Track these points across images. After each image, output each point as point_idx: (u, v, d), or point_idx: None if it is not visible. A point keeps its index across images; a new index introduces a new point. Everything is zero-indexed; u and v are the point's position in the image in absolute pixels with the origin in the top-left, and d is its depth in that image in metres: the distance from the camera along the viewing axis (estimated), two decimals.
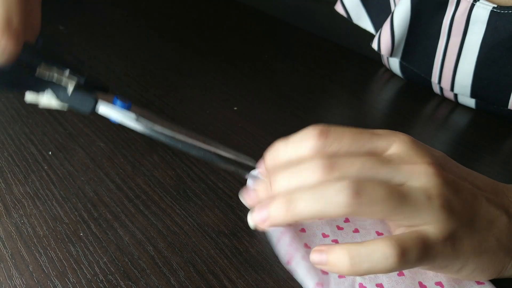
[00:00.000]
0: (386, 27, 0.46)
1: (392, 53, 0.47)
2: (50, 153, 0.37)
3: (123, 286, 0.28)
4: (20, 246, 0.30)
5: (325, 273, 0.28)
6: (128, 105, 0.29)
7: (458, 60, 0.44)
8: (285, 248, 0.29)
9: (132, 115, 0.29)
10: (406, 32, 0.46)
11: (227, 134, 0.41)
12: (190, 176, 0.36)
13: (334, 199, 0.23)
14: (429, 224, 0.24)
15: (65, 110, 0.28)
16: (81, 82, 0.29)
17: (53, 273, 0.28)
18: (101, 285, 0.28)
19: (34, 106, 0.43)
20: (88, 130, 0.40)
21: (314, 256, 0.25)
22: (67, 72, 0.29)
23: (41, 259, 0.29)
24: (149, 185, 0.35)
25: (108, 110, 0.29)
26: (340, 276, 0.28)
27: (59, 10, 0.64)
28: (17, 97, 0.44)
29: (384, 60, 0.55)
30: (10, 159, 0.37)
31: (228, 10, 0.68)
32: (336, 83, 0.51)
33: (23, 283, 0.27)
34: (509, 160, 0.41)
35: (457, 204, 0.24)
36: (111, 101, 0.29)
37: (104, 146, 0.39)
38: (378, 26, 0.50)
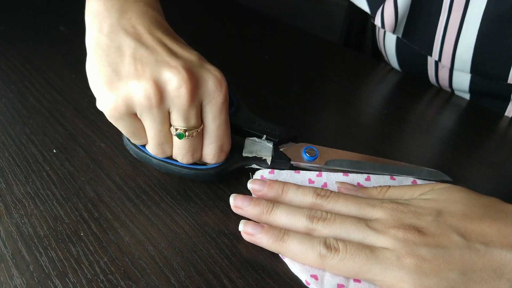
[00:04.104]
0: (389, 3, 0.46)
1: (395, 30, 0.47)
2: (54, 151, 0.38)
3: (124, 285, 0.28)
4: (20, 246, 0.30)
5: None
6: (315, 156, 0.36)
7: (459, 34, 0.44)
8: None
9: (319, 166, 0.36)
10: (408, 8, 0.46)
11: None
12: None
13: (311, 247, 0.28)
14: (403, 282, 0.26)
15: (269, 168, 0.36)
16: (275, 147, 0.36)
17: (53, 273, 0.28)
18: (101, 285, 0.28)
19: (35, 106, 0.43)
20: (88, 130, 0.40)
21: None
22: (263, 137, 0.36)
23: (41, 259, 0.29)
24: (150, 185, 0.35)
25: (299, 164, 0.36)
26: None
27: (59, 11, 0.64)
28: (17, 97, 0.45)
29: (380, 45, 0.55)
30: (10, 159, 0.37)
31: (228, 10, 0.68)
32: (336, 83, 0.51)
33: (24, 283, 0.28)
34: (504, 157, 0.41)
35: (431, 263, 0.26)
36: (301, 151, 0.36)
37: (104, 146, 0.39)
38: (373, 5, 0.50)
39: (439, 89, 0.51)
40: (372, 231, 0.28)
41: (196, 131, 0.31)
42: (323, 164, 0.36)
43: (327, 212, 0.30)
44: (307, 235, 0.29)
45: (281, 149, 0.36)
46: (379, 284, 0.27)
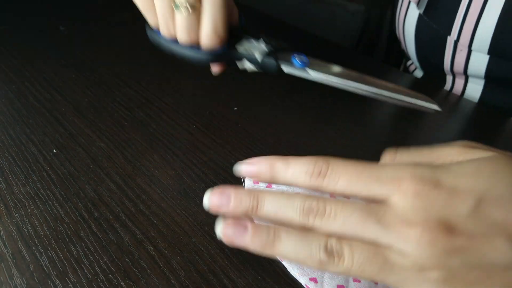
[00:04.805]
0: None
1: (419, 3, 0.48)
2: (54, 151, 0.38)
3: (124, 285, 0.28)
4: (20, 246, 0.30)
5: None
6: (305, 63, 0.36)
7: (481, 14, 0.44)
8: None
9: (307, 71, 0.36)
10: None
11: (227, 134, 0.41)
12: (190, 176, 0.36)
13: (309, 254, 0.22)
14: None
15: (260, 71, 0.38)
16: (269, 49, 0.37)
17: (53, 273, 0.28)
18: (101, 284, 0.28)
19: (35, 106, 0.43)
20: (88, 130, 0.40)
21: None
22: (261, 41, 0.38)
23: (41, 259, 0.29)
24: (150, 185, 0.35)
25: (288, 69, 0.36)
26: None
27: (60, 11, 0.64)
28: (17, 97, 0.45)
29: (399, 30, 0.55)
30: (11, 159, 0.37)
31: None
32: None
33: (24, 283, 0.28)
34: None
35: (463, 278, 0.20)
36: (291, 57, 0.36)
37: (104, 146, 0.39)
38: None
39: (448, 92, 0.51)
40: (386, 230, 0.21)
41: (193, 7, 0.34)
42: (311, 70, 0.36)
43: (325, 203, 0.23)
44: (303, 233, 0.23)
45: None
46: None
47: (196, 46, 0.37)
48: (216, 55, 0.37)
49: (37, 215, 0.32)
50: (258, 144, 0.40)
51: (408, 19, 0.53)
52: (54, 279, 0.28)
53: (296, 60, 0.36)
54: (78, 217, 0.32)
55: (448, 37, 0.48)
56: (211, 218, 0.33)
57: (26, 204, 0.33)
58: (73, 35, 0.57)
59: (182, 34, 0.35)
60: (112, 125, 0.41)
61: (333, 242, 0.22)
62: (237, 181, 0.36)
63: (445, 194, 0.21)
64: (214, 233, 0.31)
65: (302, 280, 0.28)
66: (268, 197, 0.24)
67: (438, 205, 0.21)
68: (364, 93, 0.35)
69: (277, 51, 0.37)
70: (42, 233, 0.31)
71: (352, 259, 0.21)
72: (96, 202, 0.33)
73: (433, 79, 0.57)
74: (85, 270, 0.28)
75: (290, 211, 0.23)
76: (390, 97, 0.34)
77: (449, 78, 0.54)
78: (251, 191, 0.24)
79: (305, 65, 0.36)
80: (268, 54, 0.36)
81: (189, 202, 0.34)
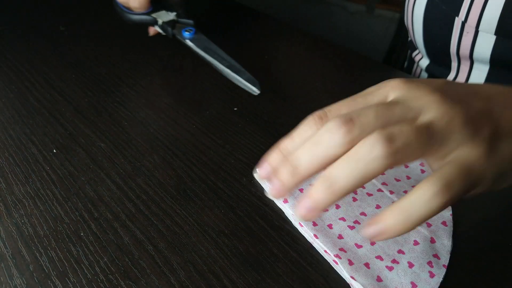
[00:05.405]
0: None
1: None
2: (54, 151, 0.38)
3: (124, 285, 0.28)
4: (20, 246, 0.30)
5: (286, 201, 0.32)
6: (188, 35, 0.51)
7: None
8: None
9: (187, 41, 0.51)
10: None
11: (227, 134, 0.41)
12: (190, 176, 0.36)
13: (370, 156, 0.22)
14: (461, 145, 0.23)
15: (164, 33, 0.53)
16: (168, 20, 0.52)
17: (53, 273, 0.28)
18: (101, 284, 0.28)
19: (35, 106, 0.43)
20: (88, 130, 0.40)
21: (369, 230, 0.23)
22: (172, 14, 0.53)
23: (41, 259, 0.29)
24: (150, 185, 0.35)
25: (178, 36, 0.51)
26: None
27: (60, 11, 0.64)
28: (17, 97, 0.45)
29: (408, 16, 0.55)
30: (11, 159, 0.37)
31: (228, 11, 0.68)
32: (336, 83, 0.51)
33: (24, 283, 0.28)
34: None
35: (477, 117, 0.24)
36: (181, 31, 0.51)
37: (104, 146, 0.39)
38: None
39: None
40: (406, 108, 0.25)
41: None
42: (189, 41, 0.51)
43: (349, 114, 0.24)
44: (352, 151, 0.23)
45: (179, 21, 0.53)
46: (442, 155, 0.24)
47: (132, 11, 0.52)
48: (141, 18, 0.52)
49: (37, 215, 0.32)
50: (258, 145, 0.40)
51: (418, 3, 0.53)
52: (54, 279, 0.28)
53: (184, 32, 0.51)
54: (78, 217, 0.32)
55: (456, 18, 0.48)
56: (210, 219, 0.33)
57: (26, 204, 0.33)
58: (73, 35, 0.57)
59: (124, 2, 0.51)
60: (112, 125, 0.41)
61: (379, 132, 0.22)
62: (237, 182, 0.36)
63: (426, 79, 0.26)
64: (213, 233, 0.31)
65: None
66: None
67: (426, 82, 0.25)
68: (217, 65, 0.48)
69: (178, 23, 0.52)
70: (42, 233, 0.31)
71: (403, 134, 0.22)
72: (96, 202, 0.33)
73: (439, 67, 0.57)
74: (85, 270, 0.28)
75: (328, 136, 0.23)
76: (228, 74, 0.48)
77: (454, 65, 0.54)
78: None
79: (188, 35, 0.50)
80: (167, 23, 0.52)
81: (189, 202, 0.34)
